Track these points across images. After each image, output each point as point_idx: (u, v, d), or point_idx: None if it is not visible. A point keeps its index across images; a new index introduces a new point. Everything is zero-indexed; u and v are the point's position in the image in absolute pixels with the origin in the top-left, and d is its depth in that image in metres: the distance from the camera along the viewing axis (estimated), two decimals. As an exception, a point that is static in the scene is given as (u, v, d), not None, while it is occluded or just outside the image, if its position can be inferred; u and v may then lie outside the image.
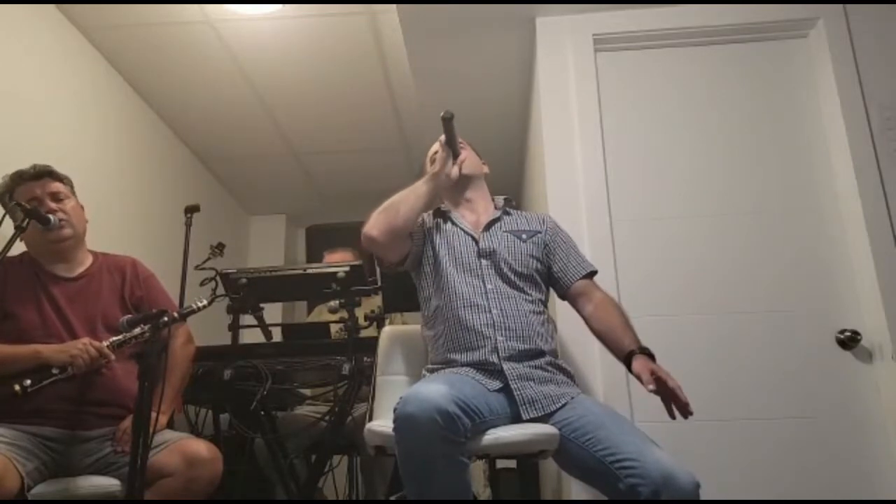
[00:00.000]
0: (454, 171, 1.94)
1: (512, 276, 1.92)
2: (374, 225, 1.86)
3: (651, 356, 1.75)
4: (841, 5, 2.54)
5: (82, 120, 3.18)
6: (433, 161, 2.05)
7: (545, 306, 1.97)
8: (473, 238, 1.98)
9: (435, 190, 1.95)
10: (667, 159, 2.53)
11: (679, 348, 2.31)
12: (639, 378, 1.67)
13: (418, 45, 2.91)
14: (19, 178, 2.10)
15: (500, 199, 2.12)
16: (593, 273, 2.01)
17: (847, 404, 2.24)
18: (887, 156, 2.38)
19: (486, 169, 2.16)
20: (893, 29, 2.52)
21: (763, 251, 2.40)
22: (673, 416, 1.63)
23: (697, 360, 2.30)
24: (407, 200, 1.89)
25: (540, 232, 2.04)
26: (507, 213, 2.08)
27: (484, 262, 1.93)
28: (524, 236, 2.01)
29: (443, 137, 1.96)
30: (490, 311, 1.85)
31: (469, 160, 2.03)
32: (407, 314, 3.01)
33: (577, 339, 2.00)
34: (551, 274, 2.01)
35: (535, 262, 1.98)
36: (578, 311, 1.96)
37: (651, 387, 1.61)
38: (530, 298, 1.91)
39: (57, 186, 2.12)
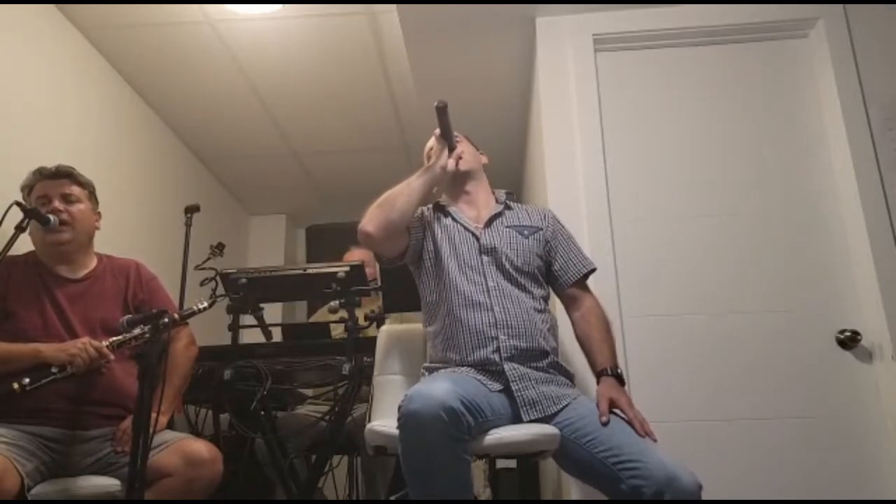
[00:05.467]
0: (450, 163, 1.93)
1: (514, 273, 1.91)
2: (370, 220, 1.84)
3: (619, 378, 1.79)
4: (841, 5, 2.54)
5: (82, 120, 3.17)
6: (430, 157, 2.05)
7: (547, 303, 1.97)
8: (474, 234, 1.96)
9: (430, 183, 1.92)
10: (667, 159, 2.53)
11: (679, 348, 2.33)
12: (598, 402, 1.72)
13: (418, 46, 2.91)
14: (39, 174, 2.12)
15: (502, 193, 2.10)
16: (592, 271, 2.01)
17: (847, 404, 2.24)
18: (887, 156, 2.38)
19: (485, 159, 2.13)
20: (893, 29, 2.52)
21: (763, 251, 2.40)
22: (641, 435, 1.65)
23: (697, 360, 2.31)
24: (402, 195, 1.87)
25: (541, 228, 2.02)
26: (509, 208, 2.06)
27: (485, 258, 1.92)
28: (526, 232, 1.99)
29: (437, 130, 1.94)
30: (492, 309, 1.84)
31: (467, 154, 2.02)
32: (407, 314, 3.01)
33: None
34: (551, 271, 2.00)
35: (536, 258, 1.96)
36: (567, 313, 1.99)
37: (604, 419, 1.66)
38: (532, 296, 1.91)
39: (72, 189, 2.12)
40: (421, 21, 2.76)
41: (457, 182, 2.04)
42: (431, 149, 2.03)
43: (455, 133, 2.00)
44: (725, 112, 2.56)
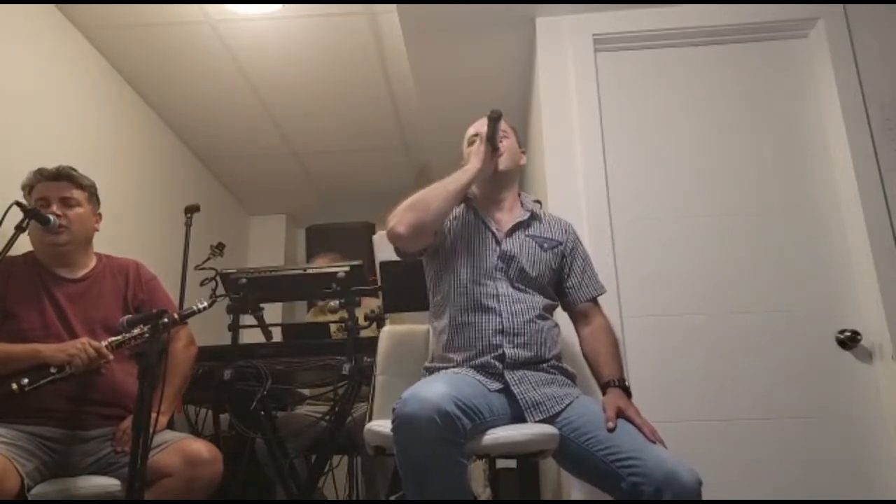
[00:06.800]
0: (494, 163, 1.93)
1: (525, 283, 1.90)
2: (402, 221, 1.81)
3: (626, 390, 1.78)
4: (841, 5, 2.54)
5: (82, 120, 3.17)
6: (471, 142, 2.02)
7: (552, 313, 1.96)
8: (496, 239, 1.94)
9: (468, 185, 1.90)
10: (667, 159, 2.53)
11: (679, 348, 2.33)
12: (605, 410, 1.71)
13: (418, 46, 2.91)
14: (40, 175, 2.12)
15: (530, 201, 2.07)
16: (601, 293, 2.02)
17: (847, 404, 2.24)
18: (887, 156, 2.38)
19: (523, 160, 2.10)
20: (893, 29, 2.52)
21: (763, 251, 2.40)
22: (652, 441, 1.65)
23: (697, 360, 2.31)
24: (438, 196, 1.84)
25: (561, 243, 2.00)
26: (534, 217, 2.02)
27: (501, 264, 1.90)
28: (546, 245, 1.97)
29: (483, 129, 1.93)
30: (500, 315, 1.83)
31: (507, 153, 1.99)
32: (407, 314, 3.01)
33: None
34: (562, 287, 2.00)
35: (550, 272, 1.96)
36: (576, 329, 2.00)
37: (610, 424, 1.65)
38: (541, 306, 1.89)
39: (72, 192, 2.12)
40: (421, 21, 2.76)
41: (493, 182, 2.00)
42: (474, 135, 2.00)
43: (503, 129, 1.98)
44: (725, 112, 2.56)
